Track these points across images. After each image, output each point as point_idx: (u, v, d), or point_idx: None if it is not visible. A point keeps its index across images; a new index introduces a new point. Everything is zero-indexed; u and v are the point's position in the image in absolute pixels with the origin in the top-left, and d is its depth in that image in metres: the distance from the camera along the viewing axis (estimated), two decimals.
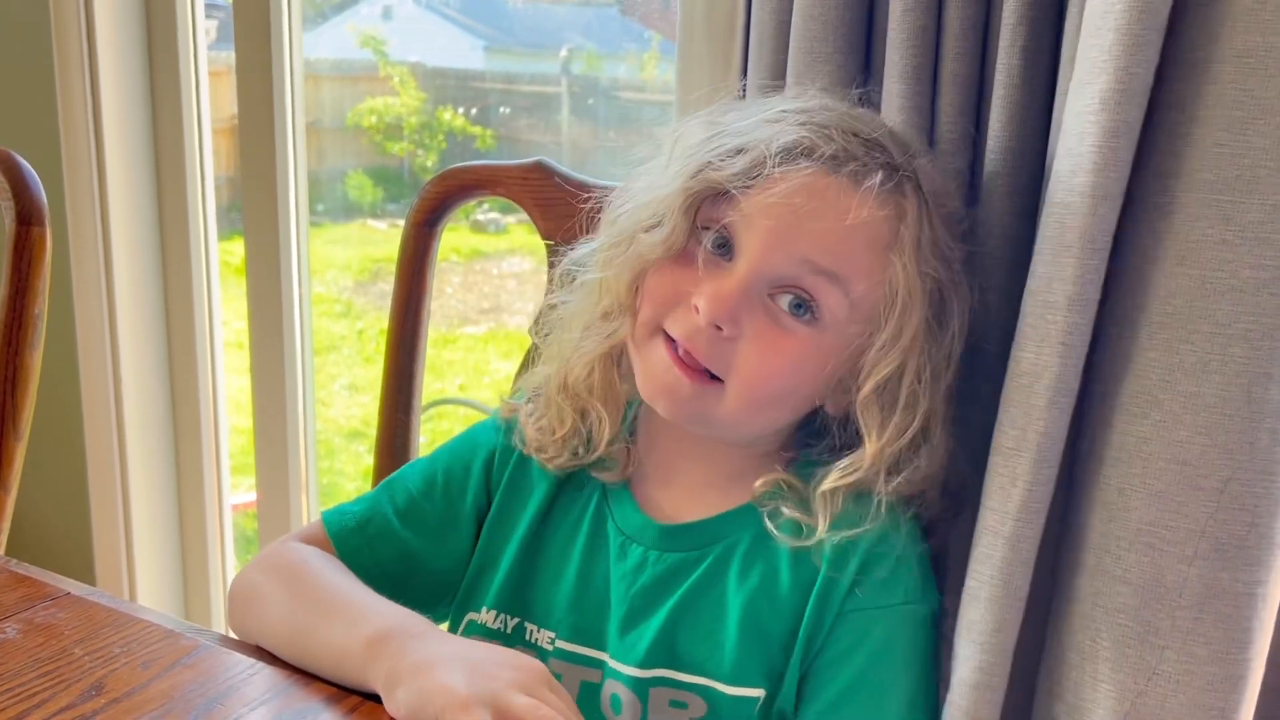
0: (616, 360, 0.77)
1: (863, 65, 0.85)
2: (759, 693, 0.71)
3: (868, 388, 0.70)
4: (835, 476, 0.71)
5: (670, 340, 0.71)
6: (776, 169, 0.68)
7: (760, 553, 0.73)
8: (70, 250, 1.63)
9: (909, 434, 0.71)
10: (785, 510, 0.72)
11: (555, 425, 0.78)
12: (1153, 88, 0.67)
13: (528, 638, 0.77)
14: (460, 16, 2.42)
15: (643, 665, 0.73)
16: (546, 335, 0.82)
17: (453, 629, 0.81)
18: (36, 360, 1.04)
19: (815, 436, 0.77)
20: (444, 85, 2.35)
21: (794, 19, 0.86)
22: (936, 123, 0.82)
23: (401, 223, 0.99)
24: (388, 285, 0.99)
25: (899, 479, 0.71)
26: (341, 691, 0.68)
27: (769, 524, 0.72)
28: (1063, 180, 0.68)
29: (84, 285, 1.64)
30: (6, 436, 1.03)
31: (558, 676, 0.74)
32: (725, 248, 0.71)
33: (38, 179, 1.05)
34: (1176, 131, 0.65)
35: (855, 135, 0.71)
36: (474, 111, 2.28)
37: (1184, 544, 0.64)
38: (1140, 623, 0.66)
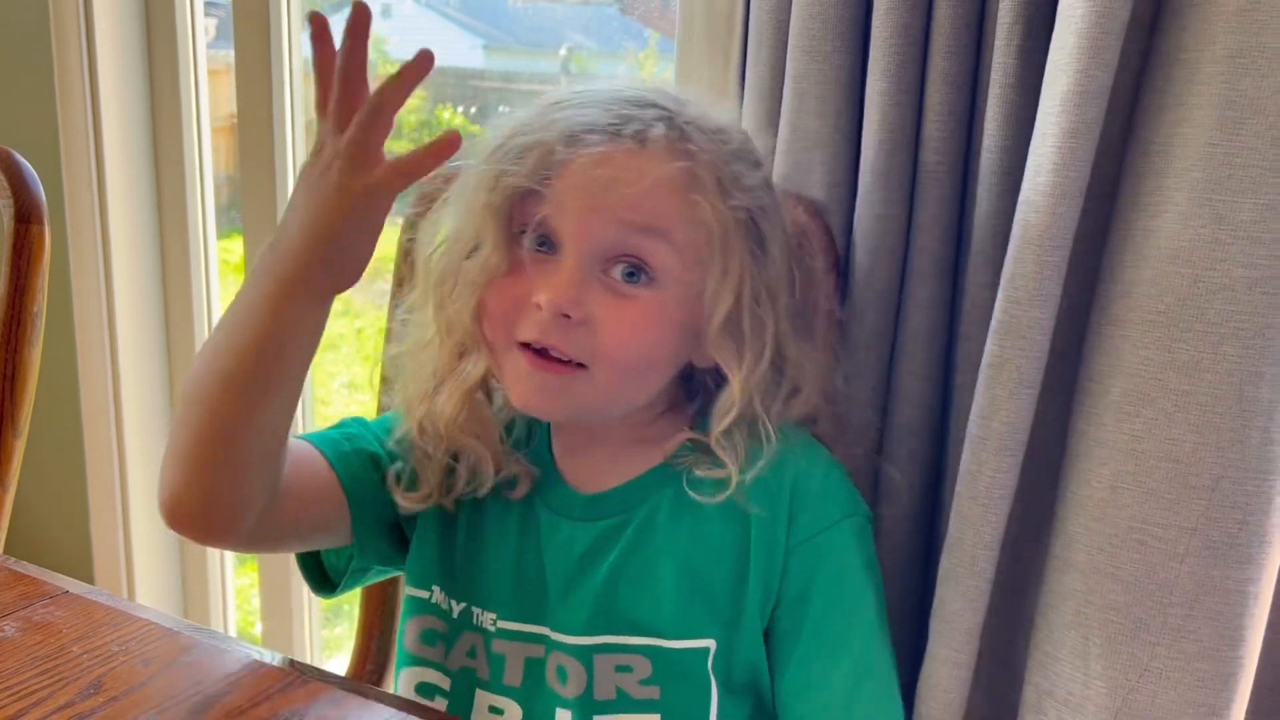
0: (484, 392, 0.78)
1: (861, 64, 0.86)
2: (708, 643, 0.73)
3: (714, 328, 0.72)
4: (717, 421, 0.73)
5: (525, 348, 0.71)
6: (567, 153, 0.70)
7: (686, 506, 0.74)
8: (69, 248, 1.63)
9: (765, 357, 0.73)
10: (699, 471, 0.74)
11: (427, 475, 0.78)
12: (1142, 87, 0.68)
13: (474, 621, 0.78)
14: (459, 15, 2.42)
15: (585, 633, 0.74)
16: (395, 388, 0.81)
17: (407, 602, 0.82)
18: (35, 357, 1.05)
19: (703, 392, 0.78)
20: (443, 83, 2.35)
21: (793, 18, 0.86)
22: (923, 121, 0.82)
23: (400, 221, 0.99)
24: (386, 283, 0.99)
25: (776, 403, 0.74)
26: (343, 690, 0.68)
27: (688, 491, 0.74)
28: (1028, 179, 0.69)
29: (83, 283, 1.64)
30: (5, 434, 1.03)
31: (501, 656, 0.77)
32: (547, 243, 0.72)
33: (36, 177, 1.05)
34: (1169, 131, 0.65)
35: (626, 100, 0.72)
36: (473, 110, 2.28)
37: (1176, 541, 0.65)
38: (1132, 620, 0.66)
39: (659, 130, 0.71)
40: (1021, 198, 0.69)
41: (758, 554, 0.73)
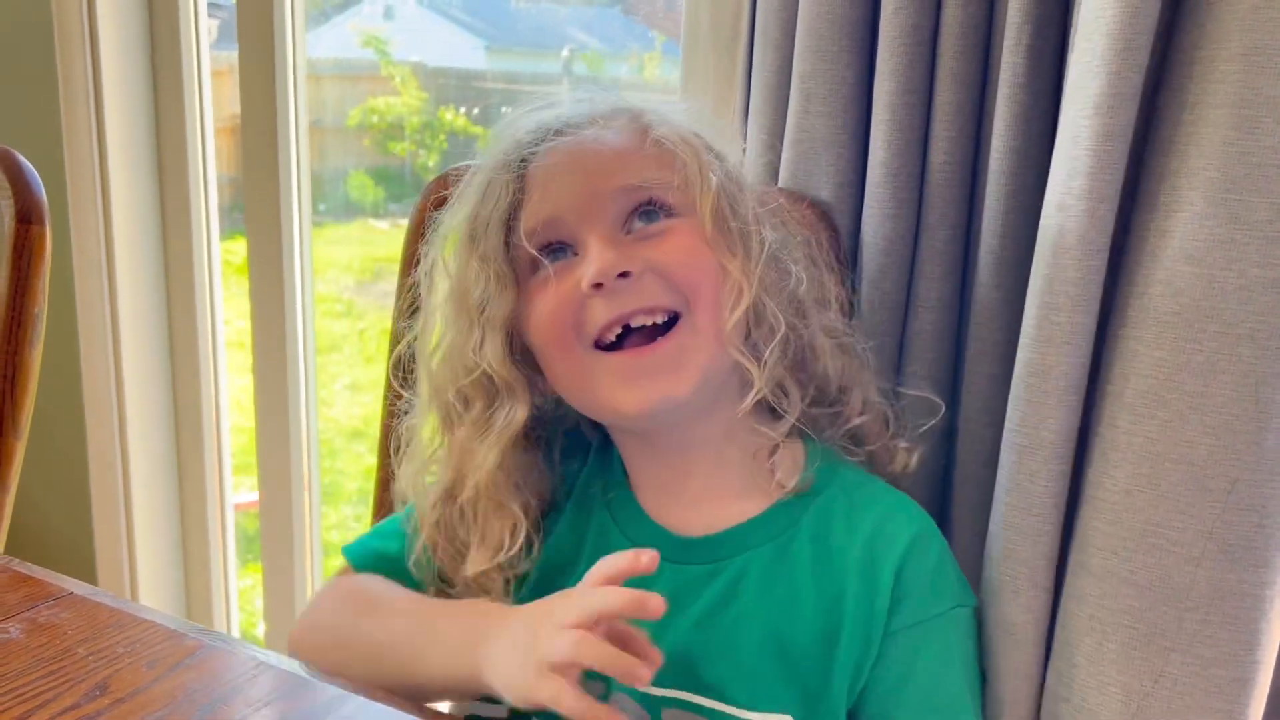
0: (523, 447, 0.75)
1: (869, 64, 0.85)
2: (784, 718, 0.68)
3: (709, 227, 0.70)
4: (729, 314, 0.70)
5: (605, 348, 0.69)
6: (536, 159, 0.71)
7: (781, 566, 0.71)
8: (73, 249, 1.63)
9: (759, 255, 0.71)
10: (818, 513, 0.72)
11: (447, 554, 0.76)
12: (1160, 87, 0.67)
13: None
14: (462, 16, 2.42)
15: (656, 683, 0.69)
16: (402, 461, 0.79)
17: None
18: (36, 358, 1.04)
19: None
20: (445, 85, 2.35)
21: (800, 19, 0.86)
22: (932, 121, 0.81)
23: (403, 222, 0.99)
24: (389, 285, 0.99)
25: (781, 293, 0.72)
26: (346, 692, 0.68)
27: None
28: (1060, 183, 0.68)
29: (86, 284, 1.64)
30: (6, 435, 1.02)
31: None
32: (560, 249, 0.71)
33: (38, 177, 1.05)
34: (1184, 130, 0.64)
35: (580, 99, 0.75)
36: (475, 111, 2.27)
37: (1191, 545, 0.64)
38: (1147, 624, 0.65)
39: (617, 113, 0.73)
40: (1054, 201, 0.68)
41: (852, 631, 0.69)
